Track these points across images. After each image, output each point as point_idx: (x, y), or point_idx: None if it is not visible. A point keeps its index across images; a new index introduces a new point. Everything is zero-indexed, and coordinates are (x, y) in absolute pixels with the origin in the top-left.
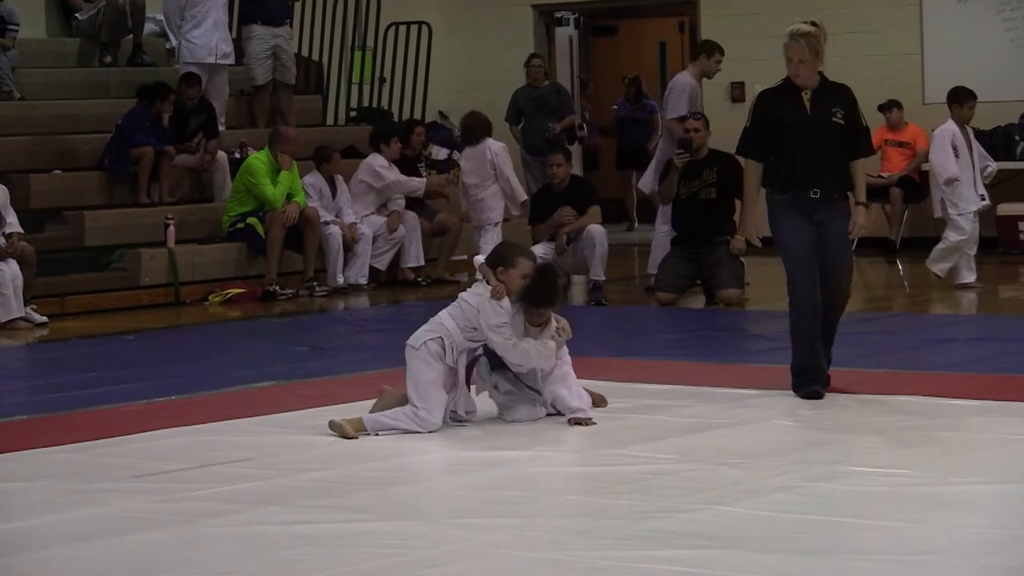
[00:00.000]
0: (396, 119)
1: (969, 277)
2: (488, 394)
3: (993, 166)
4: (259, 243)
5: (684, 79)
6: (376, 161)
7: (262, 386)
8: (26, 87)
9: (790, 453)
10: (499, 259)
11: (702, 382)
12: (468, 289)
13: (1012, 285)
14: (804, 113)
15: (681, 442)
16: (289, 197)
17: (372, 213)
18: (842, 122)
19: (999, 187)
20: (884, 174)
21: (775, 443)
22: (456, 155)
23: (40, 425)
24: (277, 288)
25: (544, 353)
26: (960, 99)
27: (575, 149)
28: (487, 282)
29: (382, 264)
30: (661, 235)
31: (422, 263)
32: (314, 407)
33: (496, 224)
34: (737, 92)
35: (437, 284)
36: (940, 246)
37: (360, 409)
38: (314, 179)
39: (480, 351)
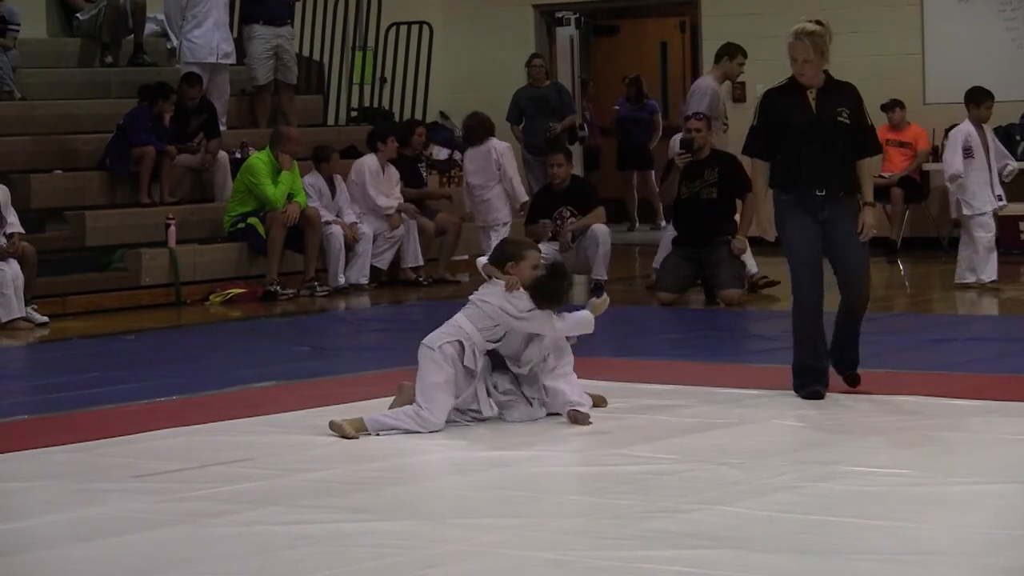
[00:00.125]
0: (397, 119)
1: (970, 277)
2: (486, 391)
3: (1013, 165)
4: (260, 243)
5: (706, 82)
6: (367, 163)
7: (263, 386)
8: (27, 87)
9: (790, 453)
10: (506, 256)
11: (703, 382)
12: (478, 291)
13: (1012, 285)
14: (809, 112)
15: (681, 442)
16: (290, 197)
17: (370, 212)
18: (847, 121)
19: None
20: (885, 174)
21: (775, 443)
22: (457, 155)
23: (40, 425)
24: (278, 288)
25: (587, 319)
26: (977, 99)
27: (576, 149)
28: (495, 280)
29: (383, 263)
30: (670, 235)
31: (421, 263)
32: (314, 407)
33: (505, 224)
34: (738, 92)
35: (438, 284)
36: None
37: (361, 409)
38: (313, 179)
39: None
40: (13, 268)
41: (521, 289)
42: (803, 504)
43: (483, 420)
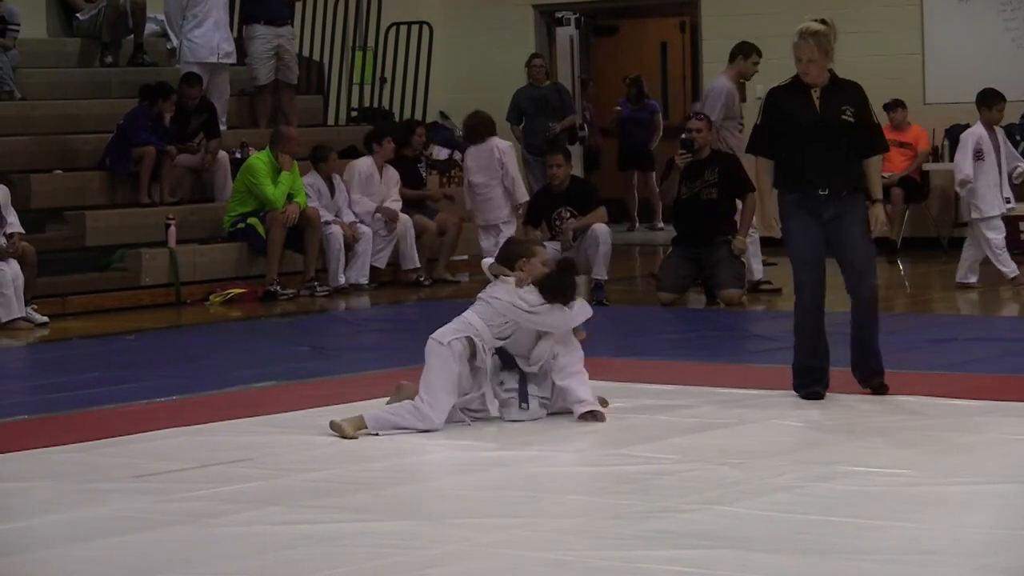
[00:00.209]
0: (397, 119)
1: (972, 277)
2: (492, 391)
3: (1023, 167)
4: (260, 243)
5: (721, 83)
6: (358, 165)
7: (263, 386)
8: (27, 87)
9: (790, 453)
10: (516, 253)
11: (703, 382)
12: (487, 289)
13: (1012, 285)
14: (813, 111)
15: (681, 442)
16: (290, 197)
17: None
18: (852, 120)
19: None
20: (885, 174)
21: (775, 443)
22: (457, 155)
23: (40, 425)
24: (278, 288)
25: (586, 305)
26: (989, 101)
27: (576, 149)
28: (503, 278)
29: (380, 262)
30: None
31: (417, 265)
32: (314, 407)
33: (506, 223)
34: (739, 92)
35: (438, 284)
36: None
37: (361, 409)
38: (312, 179)
39: (493, 350)
40: (13, 268)
41: (531, 285)
42: (803, 504)
43: (484, 420)
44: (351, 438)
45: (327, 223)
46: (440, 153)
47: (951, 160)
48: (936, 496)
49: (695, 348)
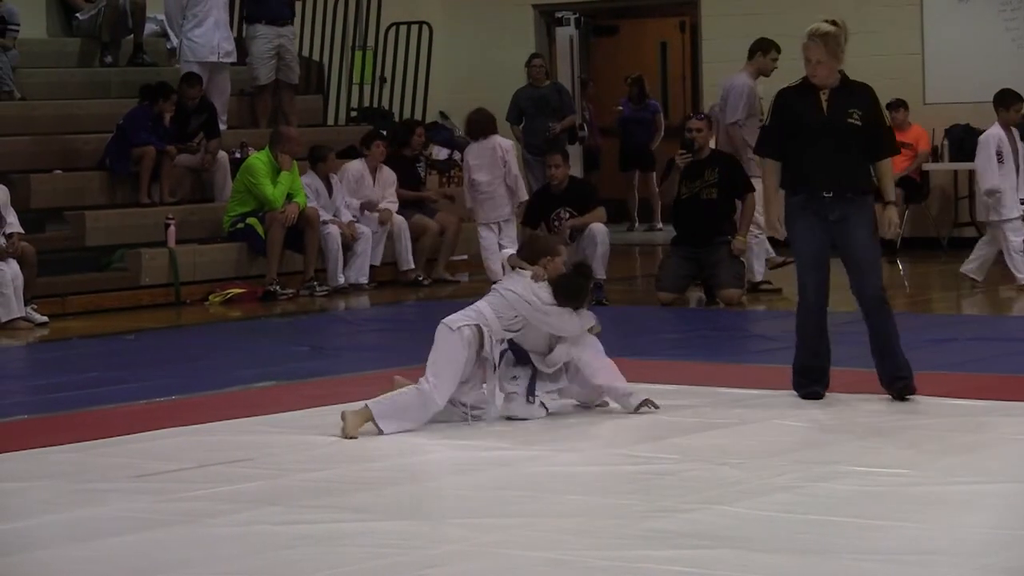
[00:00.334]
0: (397, 119)
1: (979, 276)
2: (501, 384)
3: None
4: (259, 243)
5: (742, 80)
6: (349, 167)
7: (262, 386)
8: (27, 87)
9: (790, 453)
10: (541, 250)
11: (703, 382)
12: (502, 280)
13: (1013, 285)
14: (820, 113)
15: (681, 442)
16: (289, 197)
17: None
18: (859, 123)
19: None
20: None
21: (775, 443)
22: (457, 155)
23: (40, 425)
24: (278, 288)
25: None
26: (1007, 102)
27: (575, 149)
28: (520, 271)
29: (375, 259)
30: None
31: (412, 266)
32: (314, 407)
33: (507, 221)
34: None
35: (437, 284)
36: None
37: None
38: (310, 179)
39: (506, 345)
40: (13, 268)
41: (546, 282)
42: (803, 504)
43: (484, 419)
44: (351, 438)
45: (325, 223)
46: (440, 153)
47: (951, 160)
48: (936, 496)
49: (695, 348)
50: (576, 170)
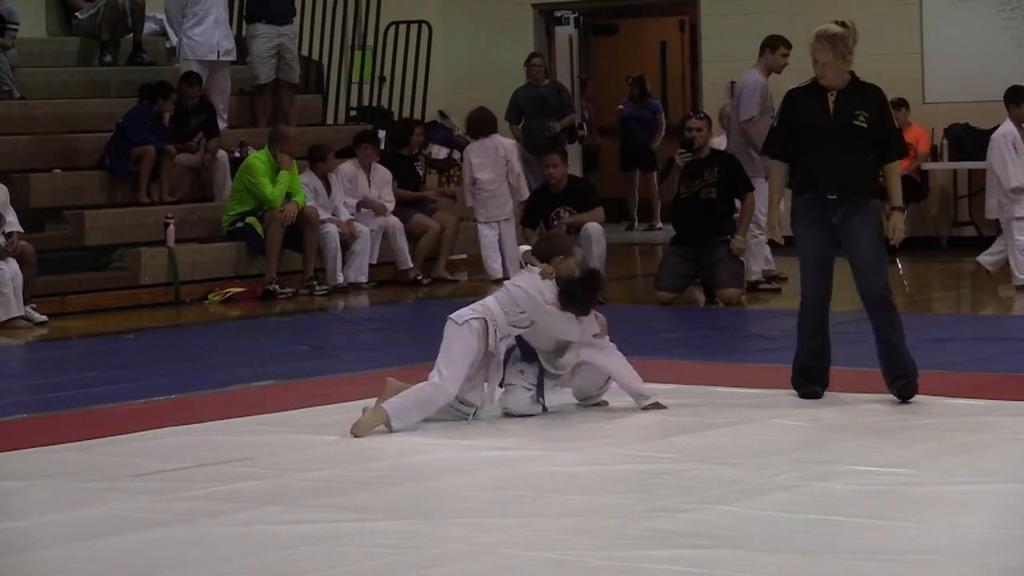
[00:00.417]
0: (396, 118)
1: (992, 268)
2: (507, 376)
3: None
4: (258, 242)
5: (754, 77)
6: (342, 168)
7: (262, 385)
8: (26, 86)
9: (790, 453)
10: (555, 249)
11: (703, 382)
12: (513, 277)
13: (1012, 284)
14: (826, 115)
15: (681, 442)
16: (288, 196)
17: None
18: (865, 125)
19: None
20: None
21: (775, 443)
22: (456, 154)
23: (40, 424)
24: (277, 287)
25: (595, 322)
26: (1018, 99)
27: (575, 149)
28: (530, 267)
29: (371, 258)
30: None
31: (410, 265)
32: (314, 406)
33: (507, 220)
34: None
35: (437, 283)
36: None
37: (360, 408)
38: (309, 178)
39: (514, 342)
40: (12, 267)
41: (553, 280)
42: (803, 504)
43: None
44: (357, 436)
45: (324, 222)
46: (439, 152)
47: (950, 159)
48: (936, 496)
49: (695, 348)
50: (575, 169)
